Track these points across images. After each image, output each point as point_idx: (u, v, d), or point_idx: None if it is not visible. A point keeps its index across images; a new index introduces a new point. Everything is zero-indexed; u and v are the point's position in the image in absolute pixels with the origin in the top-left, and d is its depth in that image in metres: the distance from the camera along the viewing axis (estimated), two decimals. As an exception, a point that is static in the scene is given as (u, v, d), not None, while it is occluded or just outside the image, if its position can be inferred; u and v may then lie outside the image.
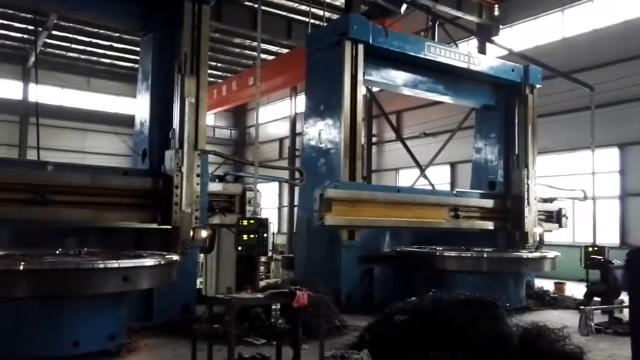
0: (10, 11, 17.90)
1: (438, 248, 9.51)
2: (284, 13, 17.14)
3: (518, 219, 10.87)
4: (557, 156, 15.55)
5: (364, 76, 9.59)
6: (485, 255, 9.15)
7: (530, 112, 11.33)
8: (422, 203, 10.05)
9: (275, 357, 4.95)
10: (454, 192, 11.65)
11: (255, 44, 20.21)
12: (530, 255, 9.69)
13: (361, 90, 9.58)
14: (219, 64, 23.26)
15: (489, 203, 11.04)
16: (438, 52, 10.49)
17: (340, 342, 6.24)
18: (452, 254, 9.06)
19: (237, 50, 22.08)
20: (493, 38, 16.03)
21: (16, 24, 19.20)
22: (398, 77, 10.65)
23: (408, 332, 5.19)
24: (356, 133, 9.30)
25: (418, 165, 15.57)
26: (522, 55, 13.02)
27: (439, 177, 17.91)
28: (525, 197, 10.87)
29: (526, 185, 10.94)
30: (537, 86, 11.59)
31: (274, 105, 26.24)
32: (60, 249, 6.24)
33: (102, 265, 5.29)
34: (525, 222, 10.80)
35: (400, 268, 9.20)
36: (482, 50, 15.89)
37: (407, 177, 19.26)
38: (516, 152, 11.24)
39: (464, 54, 11.04)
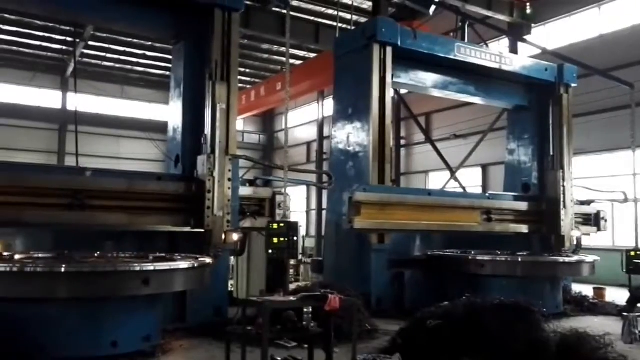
0: (51, 24, 18.54)
1: (471, 252, 9.39)
2: (312, 18, 17.23)
3: (554, 221, 10.60)
4: (594, 157, 15.17)
5: (392, 79, 9.55)
6: (520, 259, 8.95)
7: (566, 112, 11.05)
8: (454, 206, 9.91)
9: (308, 360, 4.98)
10: (487, 194, 11.47)
11: (283, 49, 20.44)
12: (567, 259, 9.44)
13: (390, 93, 9.54)
14: (248, 70, 23.54)
15: (523, 206, 10.84)
16: (468, 53, 10.38)
17: (371, 346, 6.23)
18: (486, 257, 8.89)
19: (266, 56, 22.30)
20: (525, 37, 15.75)
21: (56, 36, 19.90)
22: (427, 78, 10.58)
23: (441, 337, 5.14)
24: (385, 136, 9.27)
25: (448, 167, 15.40)
26: (556, 54, 12.77)
27: (470, 180, 17.69)
28: (561, 199, 10.59)
29: (562, 187, 10.67)
30: (573, 85, 11.32)
31: (302, 110, 26.37)
32: (98, 252, 6.42)
33: (138, 268, 5.42)
34: (562, 225, 10.52)
35: (432, 272, 9.10)
36: (514, 50, 15.66)
37: (437, 180, 19.07)
38: (551, 153, 10.96)
39: (495, 54, 10.88)
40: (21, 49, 21.61)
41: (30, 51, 21.81)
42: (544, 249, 10.62)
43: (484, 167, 18.19)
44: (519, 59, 11.58)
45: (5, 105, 22.50)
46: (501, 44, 16.84)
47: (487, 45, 11.66)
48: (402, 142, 21.08)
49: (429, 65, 10.37)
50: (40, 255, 6.23)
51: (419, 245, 9.92)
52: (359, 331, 6.30)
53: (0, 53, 21.96)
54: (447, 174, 15.73)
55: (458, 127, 18.43)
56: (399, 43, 9.42)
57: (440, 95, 11.77)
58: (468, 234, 10.19)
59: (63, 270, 5.17)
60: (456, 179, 15.19)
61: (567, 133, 11.00)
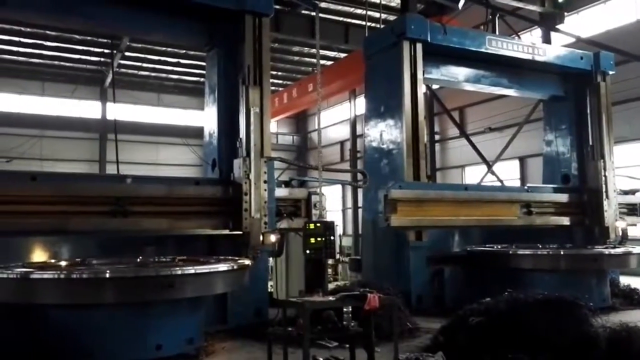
0: (89, 38, 19.18)
1: (511, 246, 9.23)
2: (341, 18, 17.26)
3: (596, 213, 10.35)
4: (637, 145, 14.69)
5: (423, 75, 9.49)
6: (563, 253, 8.72)
7: (604, 100, 10.76)
8: (492, 200, 9.77)
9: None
10: (525, 187, 11.26)
11: (313, 50, 20.55)
12: (612, 251, 9.15)
13: (421, 89, 9.48)
14: (279, 73, 23.73)
15: (563, 197, 10.60)
16: (500, 45, 10.22)
17: (413, 344, 6.20)
18: (527, 252, 8.70)
19: (296, 58, 22.44)
20: (558, 26, 15.37)
21: (94, 49, 20.57)
22: (459, 73, 10.47)
23: (484, 334, 5.08)
24: (418, 132, 9.21)
25: (485, 161, 15.19)
26: (591, 41, 12.44)
27: (508, 173, 17.39)
28: (603, 189, 10.34)
29: (603, 177, 10.39)
30: (610, 73, 11.01)
31: (334, 109, 26.41)
32: (140, 257, 6.60)
33: (179, 272, 5.53)
34: (605, 216, 10.25)
35: (472, 268, 8.98)
36: (547, 39, 15.28)
37: (473, 174, 18.81)
38: (590, 143, 10.69)
39: (528, 45, 10.68)
40: (62, 63, 22.38)
41: (71, 64, 22.57)
42: (587, 241, 10.34)
43: (522, 160, 17.85)
44: (552, 49, 11.32)
45: (50, 118, 23.34)
46: (533, 35, 16.49)
47: (518, 37, 11.44)
48: (437, 137, 20.88)
49: (460, 60, 10.26)
50: (94, 262, 6.41)
51: (457, 241, 9.82)
52: (400, 330, 6.30)
53: (44, 68, 22.79)
54: (484, 168, 15.52)
55: (493, 120, 18.14)
56: (429, 39, 9.36)
57: (473, 89, 11.62)
58: (507, 228, 10.01)
59: (108, 275, 5.31)
60: (493, 173, 14.97)
61: (607, 121, 10.70)
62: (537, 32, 16.66)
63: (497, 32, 11.09)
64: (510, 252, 8.80)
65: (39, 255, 6.80)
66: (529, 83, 11.24)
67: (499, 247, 9.30)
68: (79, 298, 5.24)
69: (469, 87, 11.22)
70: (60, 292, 5.25)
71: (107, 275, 5.31)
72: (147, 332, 5.53)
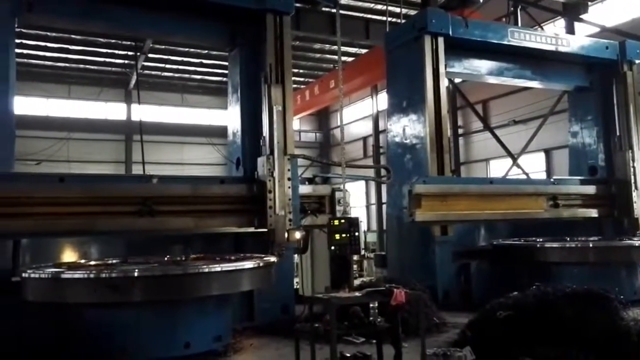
0: (113, 41, 19.50)
1: (538, 239, 9.11)
2: (361, 14, 17.20)
3: (625, 204, 10.19)
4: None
5: (446, 68, 9.43)
6: (591, 245, 8.58)
7: (631, 90, 10.57)
8: (518, 193, 9.69)
9: (377, 355, 5.00)
10: (552, 179, 11.12)
11: (334, 47, 20.54)
12: (643, 242, 9.01)
13: (444, 83, 9.42)
14: (301, 70, 23.76)
15: (591, 189, 10.44)
16: (522, 37, 10.09)
17: (440, 339, 6.18)
18: (555, 245, 8.59)
19: (318, 55, 22.45)
20: (582, 16, 15.06)
21: (118, 52, 20.91)
22: (482, 66, 10.38)
23: (512, 328, 5.04)
24: (442, 126, 9.16)
25: (510, 154, 14.97)
26: (617, 30, 12.18)
27: (533, 166, 17.13)
28: (632, 180, 10.17)
29: (632, 168, 10.23)
30: (637, 62, 10.79)
31: (356, 105, 26.35)
32: (168, 256, 6.69)
33: (206, 270, 5.60)
34: (634, 207, 10.10)
35: (499, 262, 8.91)
36: (570, 30, 14.99)
37: (498, 168, 18.58)
38: (617, 134, 10.53)
39: (551, 36, 10.52)
40: (87, 66, 22.79)
41: (96, 67, 22.97)
42: (616, 233, 10.17)
43: (547, 152, 17.56)
44: (576, 39, 11.14)
45: (76, 121, 23.81)
46: (557, 25, 16.18)
47: (541, 28, 11.26)
48: (460, 131, 20.67)
49: (483, 53, 10.17)
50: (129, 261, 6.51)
51: (483, 235, 9.73)
52: (427, 325, 6.28)
53: (70, 72, 23.25)
54: (509, 161, 15.30)
55: (517, 113, 17.89)
56: (451, 33, 9.29)
57: (496, 82, 11.52)
58: (534, 222, 9.90)
59: (136, 274, 5.39)
60: (518, 166, 14.77)
61: (634, 111, 10.53)
62: (560, 23, 16.35)
63: (519, 24, 10.95)
64: (538, 245, 8.70)
65: (69, 255, 6.95)
66: (553, 74, 11.08)
67: (525, 240, 9.20)
68: (108, 297, 5.32)
69: (492, 79, 11.11)
70: (90, 291, 5.34)
71: (135, 274, 5.39)
72: (176, 330, 5.62)
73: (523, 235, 9.53)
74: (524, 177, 14.32)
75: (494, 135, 15.38)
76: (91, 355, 5.41)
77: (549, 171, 17.50)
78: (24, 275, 5.62)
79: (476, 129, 19.80)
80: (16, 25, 7.17)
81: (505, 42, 9.91)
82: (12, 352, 5.14)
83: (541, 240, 9.04)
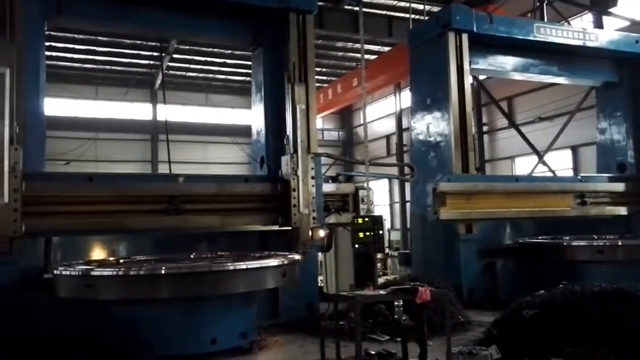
0: (138, 42, 19.81)
1: (565, 237, 8.97)
2: (384, 12, 17.12)
3: (656, 202, 9.98)
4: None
5: (470, 65, 9.35)
6: (620, 243, 8.40)
7: (662, 85, 10.36)
8: (544, 191, 9.56)
9: (402, 353, 4.99)
10: (579, 177, 10.93)
11: (357, 45, 20.45)
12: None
13: (468, 80, 9.34)
14: (323, 69, 23.76)
15: (619, 187, 10.25)
16: (549, 33, 9.93)
17: (466, 338, 6.15)
18: (582, 243, 8.45)
19: (340, 53, 22.40)
20: (610, 10, 14.74)
21: (143, 52, 21.24)
22: (507, 62, 10.25)
23: (539, 327, 4.98)
24: (466, 123, 9.09)
25: (535, 151, 14.76)
26: (648, 23, 11.88)
27: (560, 163, 16.83)
28: (663, 177, 9.97)
29: (662, 165, 10.01)
30: (669, 56, 10.55)
31: (379, 103, 26.23)
32: (194, 253, 6.80)
33: (231, 267, 5.66)
34: (665, 204, 9.90)
35: (525, 261, 8.80)
36: (598, 24, 14.69)
37: (524, 165, 18.32)
38: (648, 130, 10.33)
39: (578, 31, 10.35)
40: (114, 67, 23.18)
41: (122, 68, 23.33)
42: (646, 231, 9.96)
43: (574, 149, 17.22)
44: (604, 34, 10.91)
45: (103, 121, 24.24)
46: (584, 20, 15.86)
47: (568, 23, 11.06)
48: (485, 128, 20.42)
49: (508, 49, 10.05)
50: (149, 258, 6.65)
51: (509, 234, 9.63)
52: (452, 323, 6.24)
53: (97, 73, 23.68)
54: (535, 158, 15.09)
55: (543, 109, 17.59)
56: (475, 29, 9.21)
57: (521, 78, 11.35)
58: (560, 220, 9.75)
59: (163, 272, 5.49)
60: (544, 163, 14.55)
61: (666, 107, 10.28)
62: (588, 17, 16.02)
63: (545, 19, 10.76)
64: (565, 243, 8.57)
65: (98, 253, 7.11)
66: (580, 70, 10.90)
67: (552, 238, 9.08)
68: (136, 294, 5.45)
69: (517, 76, 10.97)
70: (119, 288, 5.47)
71: (162, 272, 5.49)
72: (202, 326, 5.71)
73: (549, 234, 9.41)
74: (550, 174, 14.11)
75: (520, 132, 15.17)
76: (120, 351, 5.52)
77: (576, 168, 17.17)
78: (55, 272, 5.77)
79: (501, 126, 19.54)
80: (45, 28, 7.36)
81: (531, 38, 9.77)
82: (45, 346, 5.27)
83: (568, 238, 8.91)
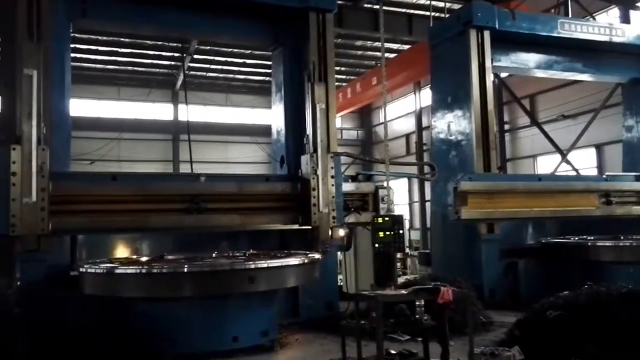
0: (160, 43, 20.06)
1: (589, 238, 8.83)
2: (404, 10, 17.04)
3: (685, 202, 9.75)
4: None
5: (492, 63, 9.26)
6: (647, 244, 8.28)
7: (691, 82, 10.13)
8: (568, 190, 9.42)
9: (423, 353, 4.97)
10: (604, 176, 10.74)
11: (376, 44, 20.41)
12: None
13: (490, 78, 9.25)
14: (343, 68, 23.75)
15: (646, 186, 10.04)
16: (573, 29, 9.81)
17: (487, 338, 6.09)
18: (608, 243, 8.31)
19: (359, 52, 22.36)
20: (638, 4, 14.45)
21: (165, 53, 21.50)
22: (530, 59, 10.15)
23: (563, 328, 4.91)
24: (488, 122, 9.00)
25: (559, 150, 14.60)
26: (676, 18, 11.62)
27: (584, 162, 16.57)
28: (692, 176, 9.74)
29: (691, 164, 9.79)
30: (698, 51, 10.31)
31: (398, 102, 26.11)
32: (215, 252, 6.85)
33: (252, 266, 5.68)
34: (694, 204, 9.66)
35: (548, 261, 8.68)
36: (625, 19, 14.43)
37: (546, 164, 18.07)
38: (676, 128, 10.11)
39: (604, 26, 10.19)
40: (136, 68, 23.50)
41: (144, 69, 23.64)
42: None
43: (598, 147, 16.93)
44: (632, 29, 10.70)
45: (126, 121, 24.59)
46: (610, 15, 15.58)
47: (593, 18, 10.88)
48: (506, 126, 20.20)
49: (531, 46, 9.94)
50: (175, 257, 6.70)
51: (531, 233, 9.53)
52: (474, 323, 6.19)
53: (119, 74, 24.03)
54: (557, 157, 14.91)
55: (566, 107, 17.33)
56: (497, 26, 9.13)
57: (544, 76, 11.23)
58: (584, 219, 9.59)
59: (186, 270, 5.55)
60: (568, 162, 14.36)
61: (696, 104, 10.05)
62: (614, 12, 15.73)
63: (570, 15, 10.60)
64: (590, 243, 8.43)
65: (122, 251, 7.22)
66: (606, 66, 10.73)
67: (576, 238, 8.95)
68: (159, 292, 5.51)
69: (540, 73, 10.85)
70: (142, 286, 5.54)
71: (185, 270, 5.55)
72: (224, 324, 5.75)
73: (572, 233, 9.28)
74: (573, 173, 13.91)
75: (542, 130, 15.01)
76: (143, 348, 5.59)
77: (600, 167, 16.88)
78: (80, 269, 5.88)
79: (523, 124, 19.30)
80: (71, 31, 7.49)
81: (555, 34, 9.67)
82: (71, 342, 5.38)
83: (593, 238, 8.77)
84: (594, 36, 9.96)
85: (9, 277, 6.21)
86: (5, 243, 6.26)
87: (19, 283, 6.08)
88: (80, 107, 23.03)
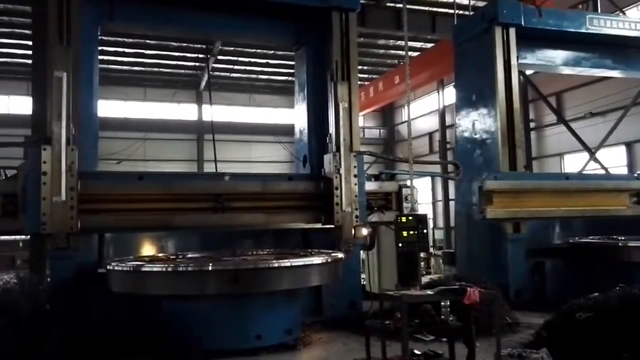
0: (184, 44, 20.31)
1: (620, 238, 8.63)
2: (427, 8, 16.93)
3: None
4: None
5: (517, 60, 9.13)
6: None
7: None
8: (597, 189, 9.23)
9: (449, 354, 4.93)
10: (635, 174, 10.49)
11: (399, 43, 20.31)
12: None
13: (515, 75, 9.12)
14: (365, 67, 23.69)
15: (680, 185, 9.77)
16: (602, 24, 9.60)
17: (514, 340, 6.01)
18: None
19: (382, 51, 22.29)
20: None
21: (189, 55, 21.76)
22: (557, 56, 9.97)
23: (593, 331, 4.81)
24: (513, 120, 8.88)
25: (587, 148, 14.29)
26: None
27: (613, 160, 16.21)
28: None
29: None
30: None
31: (421, 100, 25.95)
32: (239, 250, 6.89)
33: (276, 265, 5.71)
34: None
35: (576, 261, 8.50)
36: (657, 13, 14.09)
37: (573, 163, 17.74)
38: None
39: (635, 21, 9.94)
40: (162, 69, 23.82)
41: (169, 70, 23.97)
42: None
43: (629, 145, 16.55)
44: (664, 23, 10.43)
45: (152, 122, 24.96)
46: (641, 9, 15.21)
47: (623, 13, 10.63)
48: (532, 124, 19.89)
49: (558, 42, 9.77)
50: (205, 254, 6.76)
51: (558, 233, 9.39)
52: (500, 324, 6.11)
53: (145, 75, 24.40)
54: (585, 155, 14.61)
55: (594, 104, 16.98)
56: (523, 23, 9.00)
57: (571, 73, 11.02)
58: (614, 219, 9.39)
59: (210, 268, 5.60)
60: (596, 160, 14.05)
61: None
62: (644, 7, 15.35)
63: (598, 10, 10.39)
64: (620, 244, 8.24)
65: (148, 249, 7.33)
66: (636, 62, 10.47)
67: (606, 238, 8.76)
68: (184, 289, 5.57)
69: (567, 70, 10.65)
70: (167, 284, 5.61)
71: (210, 268, 5.60)
72: (248, 323, 5.78)
73: (601, 233, 9.11)
74: (602, 172, 13.62)
75: (569, 128, 14.73)
76: (168, 345, 5.67)
77: (630, 166, 16.50)
78: (108, 267, 5.99)
79: (549, 122, 18.98)
80: (99, 33, 7.63)
81: (583, 30, 9.50)
82: (99, 338, 5.49)
83: (623, 238, 8.56)
84: (624, 32, 9.74)
85: (41, 274, 6.37)
86: (37, 241, 6.42)
87: (49, 280, 6.23)
88: (107, 108, 23.45)
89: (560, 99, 18.75)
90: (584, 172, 13.39)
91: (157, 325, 5.86)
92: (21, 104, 21.90)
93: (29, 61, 7.66)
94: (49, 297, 5.78)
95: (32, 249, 6.60)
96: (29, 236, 6.78)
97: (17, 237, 10.90)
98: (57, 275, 6.24)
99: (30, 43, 7.26)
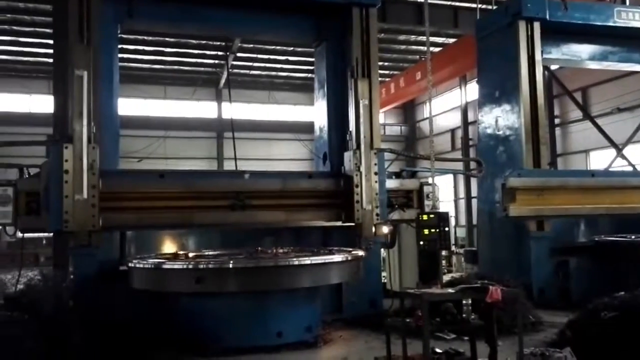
0: (204, 42, 20.42)
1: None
2: (449, 2, 16.72)
3: None
4: None
5: (542, 55, 8.96)
6: None
7: None
8: (624, 187, 9.02)
9: (470, 353, 4.86)
10: (664, 172, 10.25)
11: (420, 38, 20.10)
12: None
13: (540, 71, 8.95)
14: (386, 63, 23.52)
15: None
16: (631, 17, 9.37)
17: (537, 339, 5.91)
18: (668, 242, 7.94)
19: (403, 47, 22.09)
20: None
21: (209, 52, 21.86)
22: (582, 51, 9.77)
23: (618, 330, 4.70)
24: (537, 116, 8.72)
25: (613, 145, 14.01)
26: None
27: (641, 157, 15.84)
28: None
29: None
30: None
31: (443, 97, 25.68)
32: (259, 248, 6.89)
33: (296, 262, 5.70)
34: None
35: (602, 260, 8.34)
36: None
37: (599, 160, 17.38)
38: None
39: (665, 14, 9.66)
40: (182, 67, 24.00)
41: (189, 68, 24.12)
42: None
43: (657, 142, 16.17)
44: (695, 15, 10.12)
45: (172, 120, 25.16)
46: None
47: (653, 5, 10.33)
48: (557, 121, 19.55)
49: (584, 36, 9.58)
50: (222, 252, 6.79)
51: (583, 231, 9.21)
52: (523, 323, 6.01)
53: (165, 73, 24.61)
54: (612, 152, 14.32)
55: (622, 100, 16.60)
56: (548, 17, 8.82)
57: (598, 67, 10.80)
58: (641, 217, 9.18)
59: (231, 266, 5.61)
60: (624, 157, 13.76)
61: None
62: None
63: (627, 2, 10.14)
64: (648, 242, 8.05)
65: (169, 246, 7.37)
66: (666, 56, 10.18)
67: (633, 237, 8.56)
68: (204, 287, 5.54)
69: (594, 65, 10.44)
70: (188, 281, 5.60)
71: (230, 266, 5.61)
72: (268, 320, 5.79)
73: (628, 231, 8.90)
74: (630, 169, 13.32)
75: (595, 124, 14.45)
76: (189, 341, 5.71)
77: (659, 162, 16.12)
78: (129, 264, 6.04)
79: (574, 118, 18.62)
80: (118, 32, 7.69)
81: (610, 24, 9.28)
82: (121, 334, 5.54)
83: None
84: (653, 24, 9.49)
85: (64, 271, 6.46)
86: (60, 239, 6.51)
87: (72, 277, 6.31)
88: (128, 106, 23.70)
89: (586, 94, 18.37)
90: (610, 169, 13.11)
91: (179, 321, 5.89)
92: (43, 103, 22.26)
93: (51, 60, 7.76)
94: (72, 293, 5.86)
95: (55, 246, 6.71)
96: (52, 234, 6.87)
97: (41, 234, 11.10)
98: (79, 273, 6.33)
99: (51, 42, 7.35)
